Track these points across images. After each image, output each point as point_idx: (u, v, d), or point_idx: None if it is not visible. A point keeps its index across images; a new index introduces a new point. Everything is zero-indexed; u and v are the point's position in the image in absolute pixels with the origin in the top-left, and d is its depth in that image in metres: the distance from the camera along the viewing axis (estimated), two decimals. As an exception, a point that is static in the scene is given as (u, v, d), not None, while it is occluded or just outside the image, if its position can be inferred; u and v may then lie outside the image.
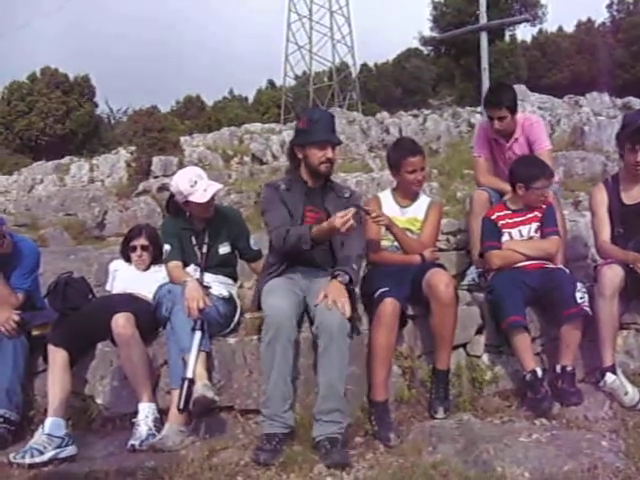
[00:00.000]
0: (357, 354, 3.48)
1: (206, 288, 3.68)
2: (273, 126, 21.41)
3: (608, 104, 16.51)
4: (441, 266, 3.84)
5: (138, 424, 3.45)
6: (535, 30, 41.71)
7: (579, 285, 3.64)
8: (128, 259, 4.30)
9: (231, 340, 3.73)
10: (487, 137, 4.74)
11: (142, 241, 4.24)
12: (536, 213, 3.96)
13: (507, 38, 36.69)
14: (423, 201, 4.13)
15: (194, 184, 3.81)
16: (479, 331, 3.88)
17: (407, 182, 4.02)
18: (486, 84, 13.47)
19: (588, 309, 3.58)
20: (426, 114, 18.40)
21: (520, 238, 3.96)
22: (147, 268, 4.25)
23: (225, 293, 3.85)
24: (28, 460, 3.28)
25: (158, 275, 4.05)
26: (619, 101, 16.70)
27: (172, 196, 4.03)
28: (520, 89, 14.89)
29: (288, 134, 16.21)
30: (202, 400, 3.28)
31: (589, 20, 43.55)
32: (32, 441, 3.40)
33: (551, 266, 3.87)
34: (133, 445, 3.34)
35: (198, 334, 3.42)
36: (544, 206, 3.96)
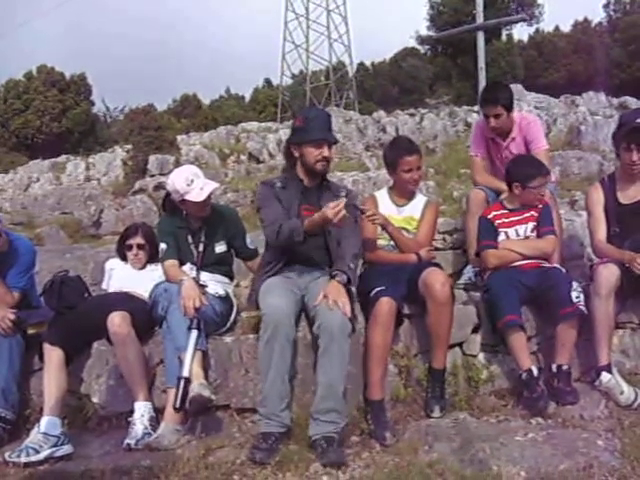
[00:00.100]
0: (353, 353, 3.47)
1: (202, 287, 3.67)
2: (270, 125, 21.44)
3: (604, 104, 16.54)
4: (437, 265, 3.84)
5: (134, 423, 3.45)
6: (532, 30, 41.82)
7: (575, 284, 3.65)
8: (124, 258, 4.29)
9: (227, 339, 3.72)
10: (484, 136, 4.74)
11: (138, 240, 4.24)
12: (532, 212, 3.97)
13: (504, 37, 36.66)
14: (419, 200, 4.13)
15: (190, 183, 3.80)
16: (475, 330, 3.89)
17: (403, 181, 4.03)
18: (483, 83, 13.52)
19: (584, 308, 3.58)
20: (423, 113, 18.43)
21: (516, 237, 3.96)
22: (143, 267, 4.24)
23: (221, 292, 3.85)
24: (24, 459, 3.27)
25: (154, 274, 4.04)
26: (615, 101, 16.72)
27: (168, 195, 4.02)
28: (517, 88, 14.91)
29: (285, 133, 16.21)
30: (198, 399, 3.28)
31: (586, 20, 43.65)
32: (28, 440, 3.39)
33: (547, 265, 3.88)
34: (129, 444, 3.34)
35: (194, 333, 3.42)
36: (540, 205, 3.97)
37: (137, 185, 12.83)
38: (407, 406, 3.64)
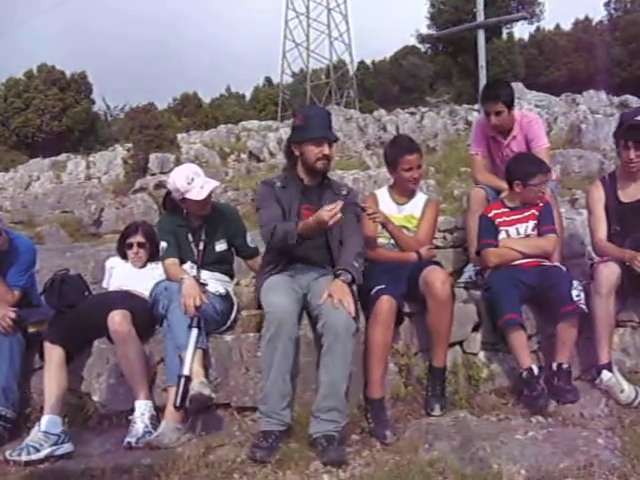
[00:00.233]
0: (353, 351, 3.47)
1: (203, 285, 3.67)
2: (270, 123, 21.43)
3: (605, 102, 16.53)
4: (438, 264, 3.83)
5: (134, 421, 3.45)
6: (532, 28, 41.75)
7: (575, 283, 3.64)
8: (124, 256, 4.29)
9: (228, 337, 3.72)
10: (484, 134, 4.74)
11: (139, 238, 4.24)
12: (533, 211, 3.96)
13: (504, 36, 36.60)
14: (420, 199, 4.13)
15: (191, 181, 3.80)
16: (475, 329, 3.89)
17: (404, 180, 4.03)
18: (483, 82, 13.51)
19: (584, 307, 3.58)
20: (423, 112, 18.41)
21: (517, 236, 3.96)
22: (144, 265, 4.24)
23: (222, 290, 3.84)
24: (24, 457, 3.27)
25: (155, 272, 4.04)
26: (616, 99, 16.72)
27: (169, 193, 4.02)
28: (517, 87, 14.89)
29: (285, 131, 16.22)
30: (198, 397, 3.28)
31: (586, 18, 43.61)
32: (28, 438, 3.40)
33: (548, 264, 3.87)
34: (129, 442, 3.34)
35: (195, 331, 3.42)
36: (541, 204, 3.97)
37: (137, 184, 12.81)
38: (407, 404, 3.64)
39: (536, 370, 3.53)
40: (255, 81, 50.67)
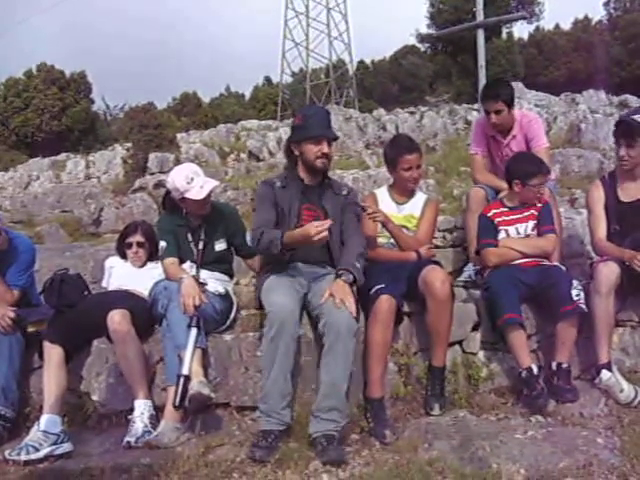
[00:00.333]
0: (354, 351, 3.47)
1: (202, 285, 3.67)
2: (270, 123, 21.42)
3: (605, 102, 16.55)
4: (437, 263, 3.83)
5: (134, 421, 3.45)
6: (532, 27, 41.73)
7: (575, 282, 3.65)
8: (124, 256, 4.29)
9: (227, 337, 3.73)
10: (484, 134, 4.74)
11: (138, 238, 4.24)
12: (532, 211, 3.96)
13: (504, 35, 36.57)
14: (419, 198, 4.14)
15: (190, 181, 3.80)
16: (475, 328, 3.89)
17: (403, 179, 4.03)
18: (483, 81, 13.50)
19: (584, 306, 3.58)
20: (423, 111, 18.43)
21: (517, 236, 3.96)
22: (143, 265, 4.24)
23: (221, 290, 3.84)
24: (24, 457, 3.27)
25: (154, 272, 4.04)
26: (616, 99, 16.74)
27: (168, 193, 4.02)
28: (517, 86, 14.88)
29: (285, 131, 16.22)
30: (198, 397, 3.28)
31: (586, 17, 43.59)
32: (28, 438, 3.39)
33: (547, 263, 3.87)
34: (129, 442, 3.34)
35: (194, 331, 3.42)
36: (540, 204, 3.97)
37: (137, 183, 12.79)
38: (407, 404, 3.64)
39: (535, 370, 3.53)
40: (255, 81, 50.74)
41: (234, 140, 17.84)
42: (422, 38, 39.04)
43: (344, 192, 3.81)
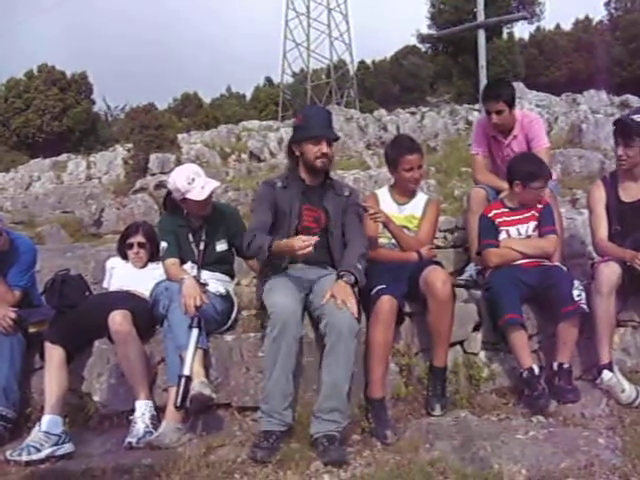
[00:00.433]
0: (356, 352, 3.47)
1: (203, 285, 3.67)
2: (271, 123, 21.44)
3: (606, 102, 16.55)
4: (438, 263, 3.83)
5: (135, 421, 3.45)
6: (533, 28, 41.66)
7: (576, 283, 3.64)
8: (125, 256, 4.29)
9: (228, 337, 3.73)
10: (485, 134, 4.74)
11: (139, 238, 4.24)
12: (533, 212, 3.96)
13: (505, 36, 36.52)
14: (420, 198, 4.14)
15: (191, 181, 3.80)
16: (476, 328, 3.89)
17: (404, 180, 4.03)
18: (484, 81, 13.51)
19: (585, 306, 3.58)
20: (424, 111, 18.43)
21: (518, 236, 3.96)
22: (144, 265, 4.24)
23: (222, 290, 3.85)
24: (25, 457, 3.27)
25: (155, 272, 4.04)
26: (617, 99, 16.73)
27: (169, 193, 4.02)
28: (518, 87, 14.83)
29: (286, 131, 16.22)
30: (199, 397, 3.28)
31: (587, 18, 43.52)
32: (29, 438, 3.40)
33: (548, 264, 3.87)
34: (130, 442, 3.34)
35: (195, 331, 3.42)
36: (541, 205, 3.97)
37: (138, 184, 12.80)
38: (408, 404, 3.64)
39: (537, 370, 3.53)
40: (255, 81, 50.72)
41: (235, 141, 17.85)
42: (423, 38, 39.02)
43: (346, 193, 3.80)
